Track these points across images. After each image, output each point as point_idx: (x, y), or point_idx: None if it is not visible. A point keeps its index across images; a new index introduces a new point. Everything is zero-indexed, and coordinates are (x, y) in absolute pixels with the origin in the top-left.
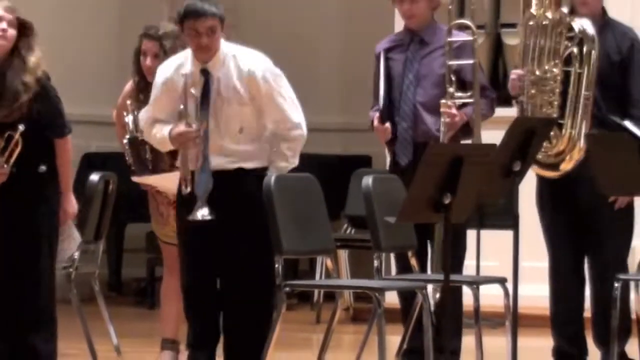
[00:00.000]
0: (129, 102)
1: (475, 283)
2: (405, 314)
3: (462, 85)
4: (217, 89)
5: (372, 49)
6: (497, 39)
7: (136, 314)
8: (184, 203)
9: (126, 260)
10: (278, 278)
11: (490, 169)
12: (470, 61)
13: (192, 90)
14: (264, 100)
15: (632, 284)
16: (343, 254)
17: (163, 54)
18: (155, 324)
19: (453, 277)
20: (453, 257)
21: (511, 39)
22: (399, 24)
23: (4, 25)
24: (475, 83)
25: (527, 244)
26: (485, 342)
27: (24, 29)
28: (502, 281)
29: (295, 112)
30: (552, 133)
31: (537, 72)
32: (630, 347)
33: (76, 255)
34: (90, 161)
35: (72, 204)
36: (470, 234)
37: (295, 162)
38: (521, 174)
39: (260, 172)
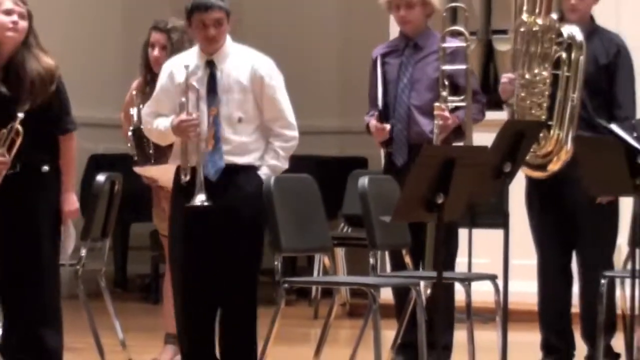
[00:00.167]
0: (134, 92)
1: (467, 280)
2: (400, 310)
3: (455, 90)
4: (220, 79)
5: (369, 54)
6: (488, 45)
7: (141, 309)
8: (182, 191)
9: (131, 257)
10: (277, 275)
11: (482, 170)
12: (463, 66)
13: (194, 83)
14: (264, 96)
15: (617, 281)
16: (340, 252)
17: (170, 46)
18: (159, 319)
19: (445, 274)
20: (446, 255)
21: (502, 45)
22: (394, 30)
23: (14, 17)
24: (468, 88)
25: (517, 242)
26: (477, 336)
27: (32, 30)
28: (492, 278)
29: (291, 114)
30: (540, 135)
31: (527, 76)
32: (616, 342)
33: (83, 252)
34: (97, 162)
35: (71, 204)
36: (462, 233)
37: (285, 164)
38: (511, 175)
39: (252, 169)
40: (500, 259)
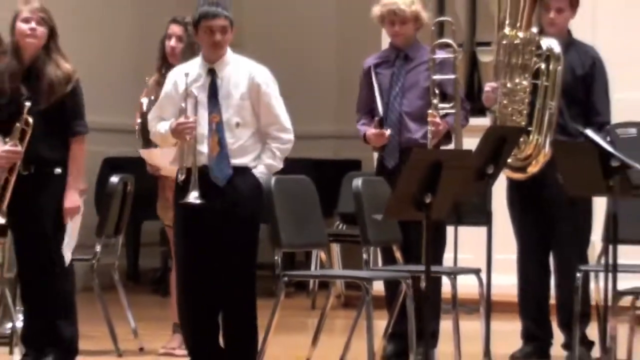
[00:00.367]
0: (151, 80)
1: (453, 273)
2: (390, 301)
3: (443, 97)
4: (220, 86)
5: (362, 63)
6: (472, 56)
7: (151, 301)
8: (181, 190)
9: (142, 253)
10: (277, 269)
11: (467, 172)
12: (452, 76)
13: (194, 90)
14: (261, 103)
15: (591, 275)
16: (335, 248)
17: (187, 37)
18: (168, 310)
19: (433, 268)
20: (435, 251)
21: (485, 56)
22: (386, 40)
23: (32, 24)
24: (457, 95)
25: (499, 238)
26: (462, 326)
27: (52, 35)
28: (477, 272)
29: (286, 118)
30: (520, 139)
31: (509, 85)
32: (590, 331)
33: (98, 248)
34: (111, 165)
35: (72, 201)
36: (448, 230)
37: (280, 164)
38: (494, 177)
39: (247, 170)
40: (484, 254)
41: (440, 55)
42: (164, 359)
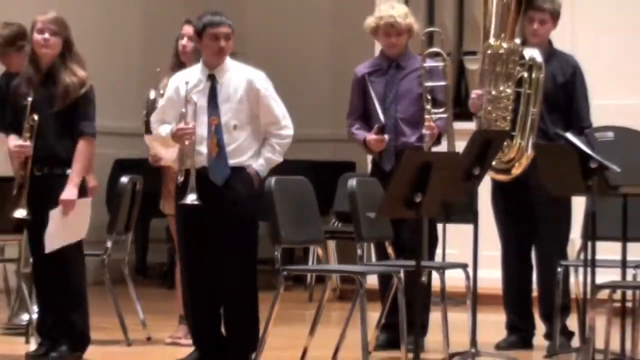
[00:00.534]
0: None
1: (442, 268)
2: (383, 294)
3: (434, 103)
4: (220, 91)
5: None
6: (460, 64)
7: (159, 294)
8: (179, 191)
9: (151, 248)
10: (277, 264)
11: (454, 173)
12: (443, 83)
13: (193, 96)
14: (261, 105)
15: (571, 269)
16: (331, 244)
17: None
18: (174, 302)
19: (423, 263)
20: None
21: (472, 65)
22: (379, 48)
23: (46, 35)
24: (448, 101)
25: (484, 235)
26: (450, 317)
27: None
28: (464, 266)
29: (285, 116)
30: (504, 143)
31: (493, 92)
32: (570, 322)
33: (109, 244)
34: (121, 166)
35: (68, 194)
36: (437, 227)
37: (280, 158)
38: (480, 178)
39: (243, 170)
40: (470, 250)
41: (431, 63)
42: (170, 349)
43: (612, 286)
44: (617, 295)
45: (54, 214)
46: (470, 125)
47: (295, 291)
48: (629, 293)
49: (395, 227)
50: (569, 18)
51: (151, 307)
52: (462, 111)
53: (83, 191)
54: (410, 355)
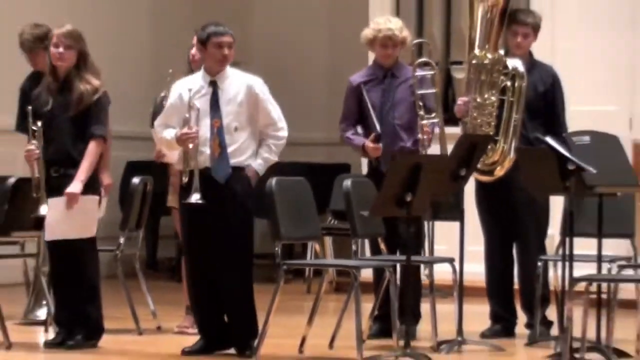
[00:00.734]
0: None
1: (430, 262)
2: (376, 287)
3: (425, 110)
4: (221, 96)
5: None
6: (447, 73)
7: (168, 287)
8: (183, 190)
9: (160, 244)
10: (277, 258)
11: (442, 174)
12: (433, 90)
13: (196, 102)
14: (259, 108)
15: (550, 264)
16: (328, 240)
17: None
18: (182, 294)
19: (413, 258)
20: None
21: (458, 73)
22: (371, 57)
23: (60, 49)
24: (438, 108)
25: (470, 232)
26: (438, 308)
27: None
28: (450, 261)
29: (280, 118)
30: (489, 147)
31: (479, 99)
32: (550, 312)
33: (121, 240)
34: (133, 167)
35: (72, 188)
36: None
37: (276, 158)
38: (466, 179)
39: (242, 170)
40: (457, 246)
41: (421, 72)
42: (178, 337)
43: (589, 279)
44: (593, 287)
45: (53, 202)
46: (457, 130)
47: (295, 284)
48: (604, 286)
49: (387, 224)
50: (549, 30)
51: (161, 298)
52: (449, 116)
53: (94, 190)
54: (402, 342)
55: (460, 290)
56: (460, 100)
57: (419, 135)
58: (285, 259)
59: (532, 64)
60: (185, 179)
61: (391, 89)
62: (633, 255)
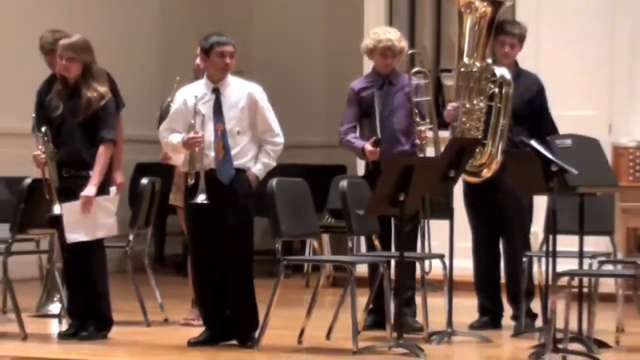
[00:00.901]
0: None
1: (422, 258)
2: (371, 281)
3: (419, 116)
4: (224, 102)
5: (349, 83)
6: (437, 80)
7: (175, 281)
8: (189, 191)
9: (168, 241)
10: (277, 254)
11: (433, 175)
12: (427, 98)
13: (201, 108)
14: (258, 114)
15: (535, 259)
16: (326, 237)
17: None
18: (188, 288)
19: (406, 254)
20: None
21: (448, 81)
22: (368, 65)
23: (64, 62)
24: (432, 114)
25: (459, 229)
26: (429, 301)
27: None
28: (441, 257)
29: (277, 125)
30: (477, 150)
31: (468, 105)
32: (534, 305)
33: (131, 237)
34: (142, 169)
35: (86, 191)
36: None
37: (274, 162)
38: (455, 179)
39: (244, 172)
40: (447, 243)
41: (416, 81)
42: (184, 329)
43: (571, 274)
44: (575, 282)
45: (66, 207)
46: (446, 134)
47: (294, 279)
48: (585, 280)
49: (381, 222)
50: (534, 40)
51: (168, 292)
52: (439, 121)
53: (105, 191)
54: (394, 334)
55: (450, 285)
56: (450, 106)
57: (417, 140)
58: (285, 255)
59: (517, 73)
60: (191, 181)
61: (390, 95)
62: (612, 252)
